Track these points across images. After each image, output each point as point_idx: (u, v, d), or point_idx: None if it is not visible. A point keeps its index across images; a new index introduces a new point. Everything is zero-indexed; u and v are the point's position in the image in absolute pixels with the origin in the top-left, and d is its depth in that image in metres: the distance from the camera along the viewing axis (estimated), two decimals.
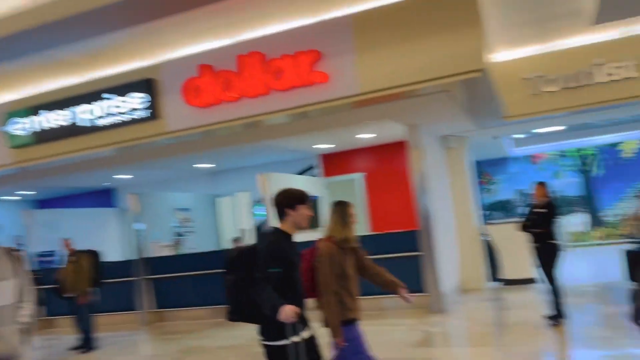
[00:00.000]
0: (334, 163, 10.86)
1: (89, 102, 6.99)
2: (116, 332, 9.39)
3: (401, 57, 5.45)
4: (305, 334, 3.14)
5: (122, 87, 6.79)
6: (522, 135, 13.48)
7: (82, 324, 8.13)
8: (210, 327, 8.87)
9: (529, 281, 9.39)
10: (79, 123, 7.08)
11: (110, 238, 13.07)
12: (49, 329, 10.52)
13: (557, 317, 6.50)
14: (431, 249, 7.80)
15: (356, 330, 3.65)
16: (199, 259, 10.06)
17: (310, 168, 11.68)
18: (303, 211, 3.23)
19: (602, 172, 15.06)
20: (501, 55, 7.53)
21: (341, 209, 3.79)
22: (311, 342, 3.21)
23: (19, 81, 7.13)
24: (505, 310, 8.29)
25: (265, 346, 3.15)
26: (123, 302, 10.05)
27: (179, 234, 12.24)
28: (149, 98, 6.65)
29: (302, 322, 3.12)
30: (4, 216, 13.33)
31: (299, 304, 3.13)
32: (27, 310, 3.37)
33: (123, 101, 6.79)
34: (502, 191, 15.92)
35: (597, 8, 5.91)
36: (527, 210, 7.09)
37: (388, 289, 3.86)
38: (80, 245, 8.36)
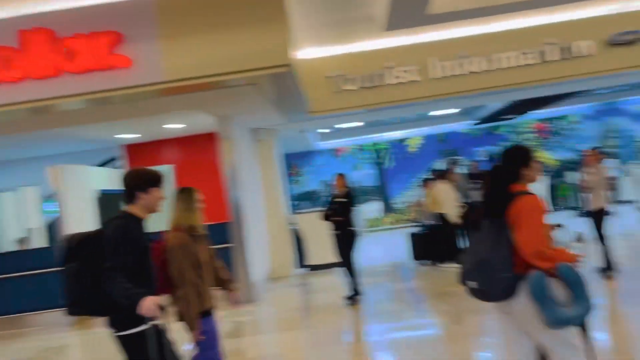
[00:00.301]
0: (140, 154, 10.21)
1: None
2: None
3: (208, 46, 5.37)
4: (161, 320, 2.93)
5: None
6: (326, 130, 14.46)
7: None
8: None
9: (332, 266, 10.10)
10: None
11: None
12: None
13: (354, 296, 7.15)
14: (242, 240, 7.86)
15: (212, 321, 3.60)
16: None
17: (112, 160, 10.84)
18: (156, 194, 3.01)
19: (393, 165, 16.95)
20: (307, 52, 7.89)
21: (186, 195, 3.66)
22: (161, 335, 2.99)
23: None
24: (311, 294, 8.81)
25: (120, 337, 2.89)
26: None
27: None
28: None
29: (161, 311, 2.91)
30: None
31: (154, 293, 2.90)
32: None
33: None
34: (309, 182, 16.90)
35: (388, 15, 6.58)
36: (329, 200, 7.60)
37: (219, 286, 3.81)
38: None
